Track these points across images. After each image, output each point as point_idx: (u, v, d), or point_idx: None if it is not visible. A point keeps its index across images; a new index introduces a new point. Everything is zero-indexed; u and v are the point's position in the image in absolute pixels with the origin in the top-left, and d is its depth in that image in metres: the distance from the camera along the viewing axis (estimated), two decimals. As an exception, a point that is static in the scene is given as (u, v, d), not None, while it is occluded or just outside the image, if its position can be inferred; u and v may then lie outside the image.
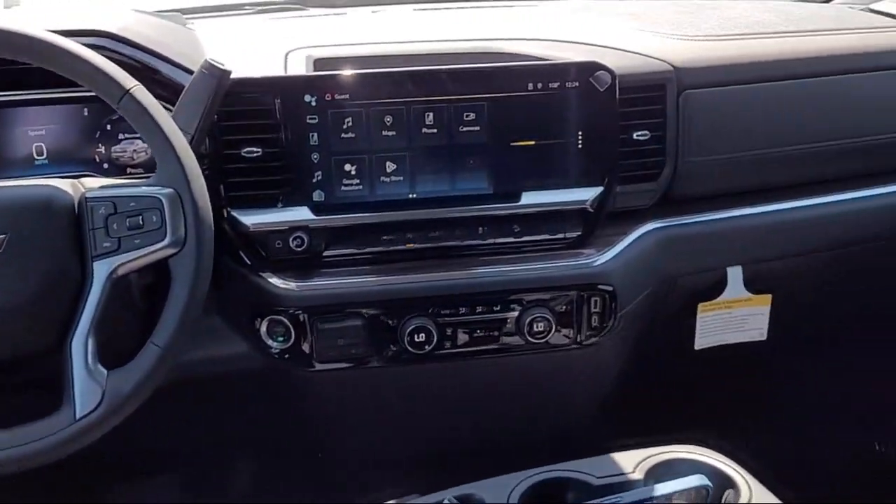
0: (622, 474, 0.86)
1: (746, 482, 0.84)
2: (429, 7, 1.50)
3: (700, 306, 1.22)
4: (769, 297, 1.24)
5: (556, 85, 1.00)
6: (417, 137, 0.99)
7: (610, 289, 1.05)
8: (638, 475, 0.86)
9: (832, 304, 1.37)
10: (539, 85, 1.00)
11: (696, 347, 1.24)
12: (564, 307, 1.05)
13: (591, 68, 1.01)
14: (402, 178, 1.00)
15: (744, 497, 0.82)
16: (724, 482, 0.85)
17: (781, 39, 1.20)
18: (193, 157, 0.82)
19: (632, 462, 0.88)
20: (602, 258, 1.06)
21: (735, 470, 0.86)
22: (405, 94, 0.97)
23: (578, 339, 1.07)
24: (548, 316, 1.03)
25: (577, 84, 1.01)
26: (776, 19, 1.30)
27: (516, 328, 1.04)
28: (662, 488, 0.82)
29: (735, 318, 1.24)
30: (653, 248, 1.12)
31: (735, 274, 1.20)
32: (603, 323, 1.07)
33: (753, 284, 1.22)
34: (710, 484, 0.83)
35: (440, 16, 1.43)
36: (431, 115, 0.98)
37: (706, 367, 1.32)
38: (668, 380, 1.39)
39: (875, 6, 1.44)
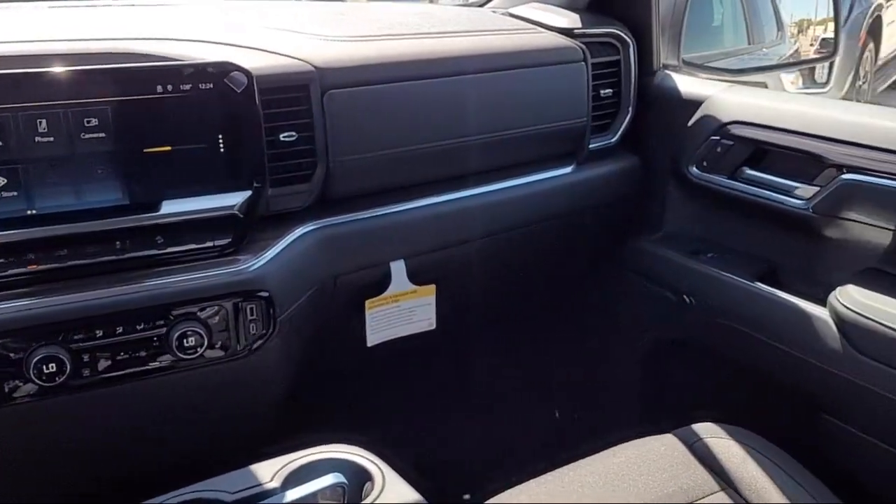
0: (258, 485, 0.84)
1: (382, 473, 0.85)
2: (66, 5, 1.37)
3: (367, 303, 1.23)
4: (433, 287, 1.29)
5: (188, 87, 0.95)
6: (30, 147, 0.88)
7: (266, 294, 1.03)
8: (275, 483, 0.84)
9: (493, 289, 1.46)
10: (169, 87, 0.94)
11: (368, 344, 1.26)
12: (217, 318, 1.00)
13: (224, 69, 0.97)
14: (15, 193, 0.89)
15: (377, 488, 0.83)
16: (362, 477, 0.86)
17: (421, 40, 1.24)
18: None
19: (270, 471, 0.85)
20: (256, 264, 1.03)
21: (373, 463, 0.87)
22: (9, 99, 0.87)
23: (237, 350, 1.03)
24: (199, 329, 0.98)
25: (211, 85, 0.96)
26: (420, 21, 1.35)
27: (165, 346, 0.97)
28: (293, 494, 0.81)
29: (403, 311, 1.28)
30: (311, 249, 1.11)
31: (398, 268, 1.23)
32: (263, 330, 1.04)
33: (417, 276, 1.26)
34: (345, 481, 0.83)
35: (78, 14, 1.31)
36: (44, 121, 0.89)
37: (384, 363, 1.35)
38: (346, 379, 1.40)
39: (513, 10, 1.55)
